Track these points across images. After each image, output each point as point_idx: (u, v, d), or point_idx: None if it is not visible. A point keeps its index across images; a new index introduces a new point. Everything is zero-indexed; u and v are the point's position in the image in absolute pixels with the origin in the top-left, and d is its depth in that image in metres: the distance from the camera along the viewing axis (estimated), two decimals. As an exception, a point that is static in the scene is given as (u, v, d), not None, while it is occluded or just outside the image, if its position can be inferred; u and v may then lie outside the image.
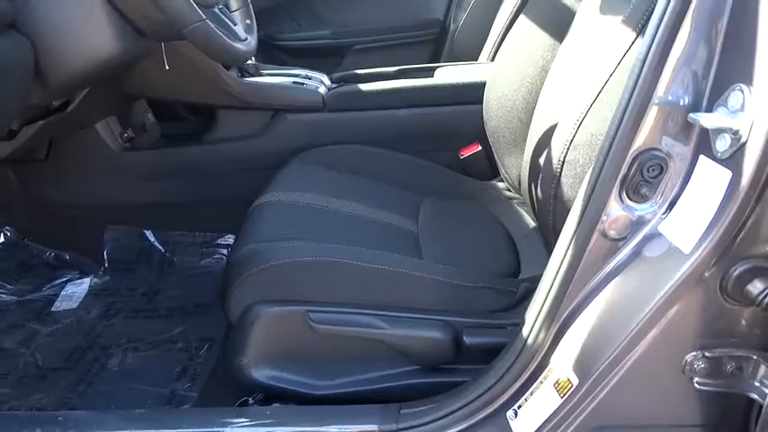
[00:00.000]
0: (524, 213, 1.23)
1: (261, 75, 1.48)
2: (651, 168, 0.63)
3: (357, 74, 1.57)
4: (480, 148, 1.37)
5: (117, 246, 1.51)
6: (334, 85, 1.53)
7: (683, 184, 0.63)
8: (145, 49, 1.05)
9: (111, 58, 0.95)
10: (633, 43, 0.75)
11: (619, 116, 0.64)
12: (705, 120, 0.57)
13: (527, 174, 1.16)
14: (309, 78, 1.49)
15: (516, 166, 1.24)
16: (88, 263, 1.52)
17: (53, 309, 1.39)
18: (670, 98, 0.62)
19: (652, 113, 0.62)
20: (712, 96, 0.59)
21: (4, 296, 1.42)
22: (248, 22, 1.13)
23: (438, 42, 2.18)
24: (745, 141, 0.55)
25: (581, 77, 0.97)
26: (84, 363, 1.20)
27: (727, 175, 0.57)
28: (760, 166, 0.55)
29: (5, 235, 1.54)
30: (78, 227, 1.52)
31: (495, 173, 1.37)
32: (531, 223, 1.19)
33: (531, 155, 1.13)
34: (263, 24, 2.17)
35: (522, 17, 1.24)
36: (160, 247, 1.51)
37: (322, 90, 1.42)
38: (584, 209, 0.67)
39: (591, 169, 0.68)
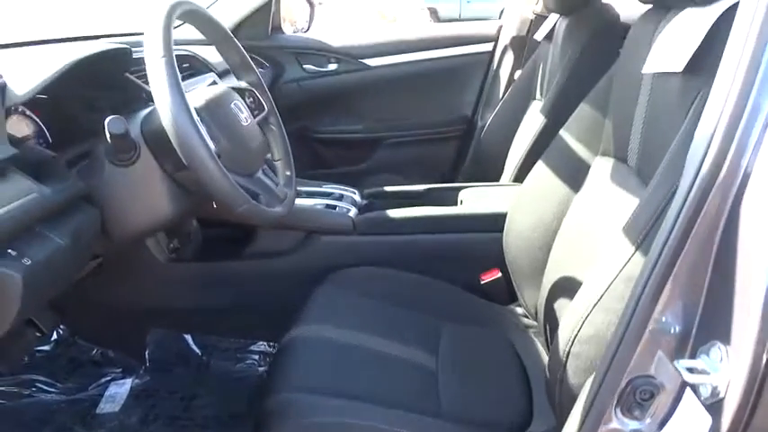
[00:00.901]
0: (540, 346, 1.30)
1: (297, 194, 1.59)
2: (643, 392, 0.70)
3: (386, 191, 1.68)
4: (500, 274, 1.44)
5: (158, 347, 1.62)
6: (364, 202, 1.64)
7: (671, 409, 0.69)
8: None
9: (169, 219, 1.07)
10: (632, 256, 0.82)
11: (617, 341, 0.71)
12: (687, 375, 0.64)
13: (542, 313, 1.23)
14: (341, 198, 1.59)
15: (534, 296, 1.31)
16: (131, 362, 1.63)
17: (98, 411, 1.50)
18: (663, 329, 0.69)
19: (645, 341, 0.70)
20: (697, 341, 0.66)
21: (54, 396, 1.53)
22: (288, 173, 1.24)
23: (465, 138, 2.28)
24: (723, 397, 0.62)
25: (589, 253, 1.06)
26: (126, 476, 1.29)
27: (707, 420, 0.63)
28: (735, 422, 0.61)
29: (58, 333, 1.67)
30: (123, 327, 1.64)
31: (513, 297, 1.44)
32: (546, 358, 1.25)
33: (546, 297, 1.21)
34: (301, 116, 2.33)
35: (540, 162, 1.32)
36: (198, 351, 1.62)
37: (352, 213, 1.52)
38: (584, 419, 0.74)
39: (593, 377, 0.75)
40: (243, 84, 1.21)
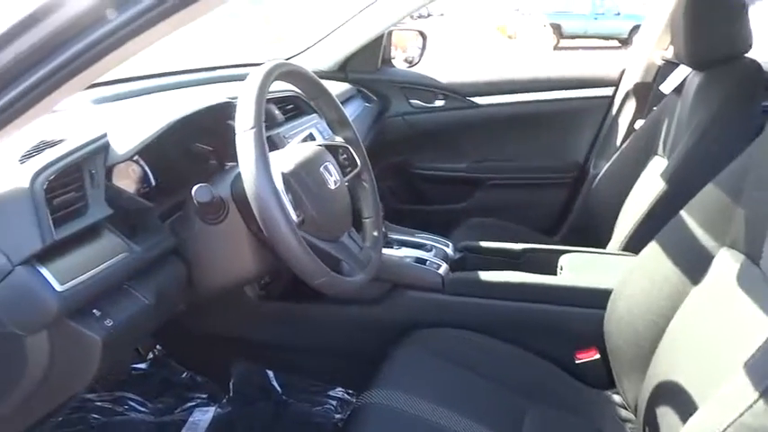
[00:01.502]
0: (639, 447, 1.17)
1: (387, 240, 1.55)
2: None
3: (481, 246, 1.60)
4: (598, 355, 1.32)
5: (242, 379, 1.65)
6: (456, 256, 1.56)
7: None
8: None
9: (254, 276, 1.07)
10: (756, 403, 0.69)
11: None
12: None
13: (643, 411, 1.10)
14: (433, 250, 1.53)
15: (635, 388, 1.18)
16: (216, 389, 1.67)
17: (180, 437, 1.54)
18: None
19: None
20: None
21: (144, 416, 1.60)
22: (375, 234, 1.20)
23: (575, 187, 2.14)
24: None
25: (702, 363, 0.92)
26: None
27: None
28: None
29: (154, 353, 1.75)
30: (211, 354, 1.68)
31: (611, 382, 1.31)
32: (643, 463, 1.12)
33: (648, 395, 1.08)
34: (403, 150, 2.30)
35: (657, 240, 1.19)
36: (278, 389, 1.62)
37: (442, 270, 1.45)
38: None
39: None
40: (338, 139, 1.19)
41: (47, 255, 0.79)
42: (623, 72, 2.09)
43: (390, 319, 1.46)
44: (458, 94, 2.19)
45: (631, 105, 1.99)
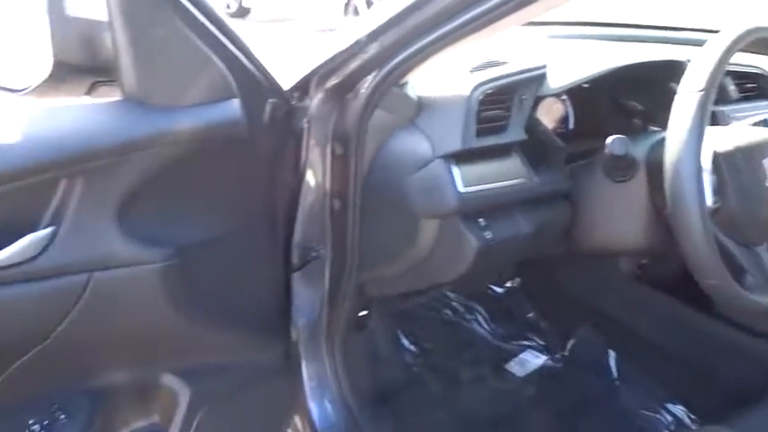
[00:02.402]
0: None
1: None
2: None
3: None
4: None
5: (581, 345, 1.61)
6: None
7: None
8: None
9: (638, 250, 1.00)
10: None
11: None
12: None
13: None
14: None
15: None
16: (553, 341, 1.68)
17: (506, 366, 1.62)
18: None
19: None
20: None
21: (483, 332, 1.72)
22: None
23: None
24: None
25: None
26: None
27: None
28: None
29: (512, 284, 1.83)
30: (563, 309, 1.68)
31: None
32: None
33: None
34: None
35: None
36: (614, 372, 1.53)
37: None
38: None
39: None
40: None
41: (461, 157, 0.89)
42: None
43: None
44: None
45: None
